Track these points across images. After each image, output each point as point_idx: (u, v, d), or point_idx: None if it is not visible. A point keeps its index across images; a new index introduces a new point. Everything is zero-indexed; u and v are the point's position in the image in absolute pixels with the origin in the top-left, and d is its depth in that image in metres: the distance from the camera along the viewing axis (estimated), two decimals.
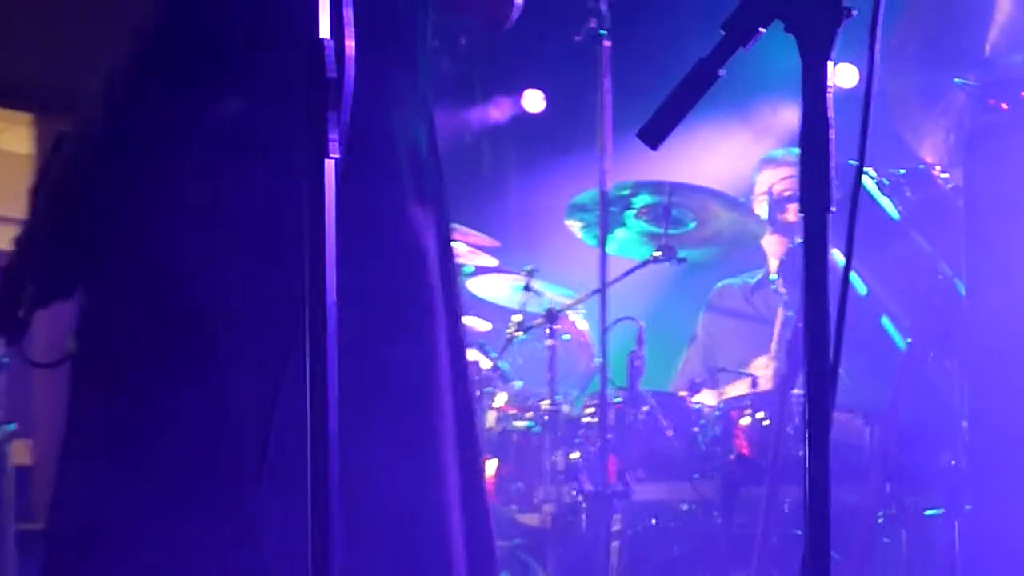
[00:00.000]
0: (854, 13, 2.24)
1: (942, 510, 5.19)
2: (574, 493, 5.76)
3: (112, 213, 3.03)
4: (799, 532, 2.24)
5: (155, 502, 2.90)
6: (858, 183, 2.36)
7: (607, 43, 5.61)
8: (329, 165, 2.19)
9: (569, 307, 6.28)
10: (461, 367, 3.20)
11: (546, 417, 5.97)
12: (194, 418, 2.93)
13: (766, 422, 5.51)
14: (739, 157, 7.27)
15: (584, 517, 5.74)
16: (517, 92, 9.37)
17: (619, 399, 5.73)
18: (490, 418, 6.08)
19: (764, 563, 4.93)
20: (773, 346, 6.05)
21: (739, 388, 6.06)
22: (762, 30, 2.28)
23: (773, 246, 6.68)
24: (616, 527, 5.48)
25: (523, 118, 9.43)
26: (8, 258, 3.09)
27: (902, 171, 5.54)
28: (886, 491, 5.15)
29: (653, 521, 5.87)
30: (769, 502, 4.97)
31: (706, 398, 6.07)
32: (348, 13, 2.22)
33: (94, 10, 3.51)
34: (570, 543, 5.74)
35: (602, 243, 5.60)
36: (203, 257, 2.96)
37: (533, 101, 9.31)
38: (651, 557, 5.61)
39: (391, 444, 3.01)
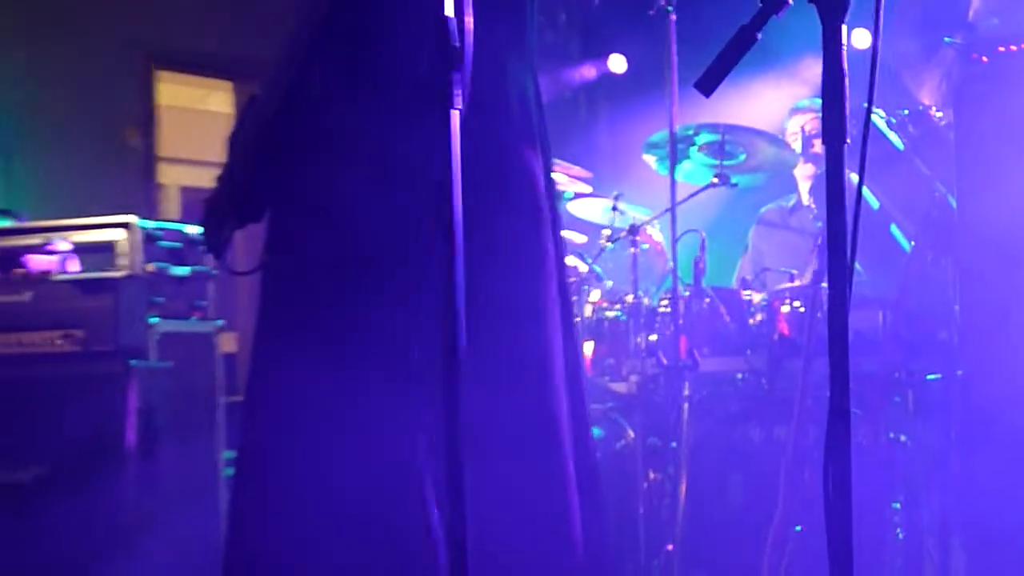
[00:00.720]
0: None
1: (940, 375, 5.16)
2: (653, 366, 5.76)
3: (289, 156, 3.05)
4: (827, 393, 2.25)
5: (327, 374, 2.94)
6: (868, 120, 2.34)
7: (673, 16, 5.59)
8: (455, 115, 2.19)
9: (647, 223, 6.25)
10: (563, 267, 3.22)
11: (630, 308, 5.97)
12: (359, 312, 2.96)
13: (802, 309, 5.49)
14: (775, 103, 7.22)
15: (662, 384, 5.74)
16: (604, 56, 9.37)
17: (687, 293, 5.72)
18: (587, 309, 6.08)
19: (802, 419, 4.91)
20: (814, 254, 5.99)
21: (781, 283, 6.03)
22: (790, 2, 2.26)
23: (805, 173, 6.66)
24: (686, 392, 5.47)
25: (609, 76, 9.44)
26: (213, 193, 3.12)
27: (905, 111, 5.51)
28: (896, 361, 5.11)
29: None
30: (805, 371, 4.95)
31: (755, 293, 6.04)
32: None
33: None
34: (651, 405, 5.74)
35: (672, 172, 5.57)
36: (357, 189, 3.00)
37: (617, 63, 9.30)
38: (713, 415, 5.61)
39: (510, 323, 3.03)
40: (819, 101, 2.24)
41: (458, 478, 2.19)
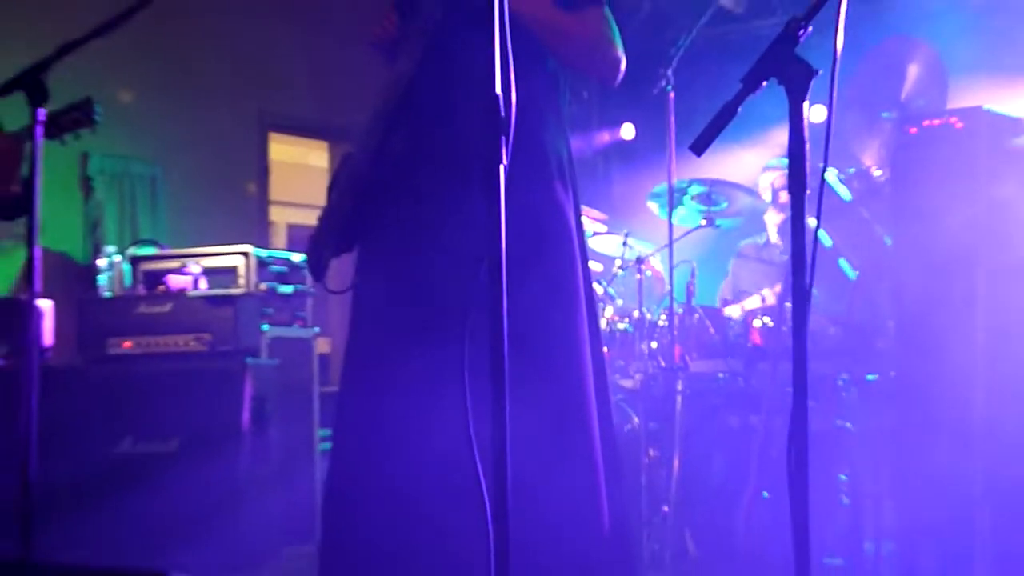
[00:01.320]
0: (820, 73, 2.23)
1: (877, 376, 5.15)
2: (654, 367, 5.75)
3: (375, 202, 3.08)
4: (790, 389, 2.27)
5: (402, 373, 2.97)
6: (823, 177, 2.35)
7: (672, 95, 5.60)
8: (500, 169, 2.20)
9: (650, 255, 6.25)
10: (590, 291, 3.23)
11: (636, 321, 5.97)
12: (426, 325, 2.98)
13: (771, 323, 5.47)
14: (751, 162, 7.22)
15: (660, 382, 5.73)
16: (617, 125, 9.41)
17: (680, 310, 5.72)
18: (603, 323, 6.08)
19: (770, 409, 4.92)
20: (779, 284, 5.97)
21: (754, 303, 6.02)
22: (764, 84, 2.27)
23: (773, 219, 6.61)
24: (679, 388, 5.47)
25: (621, 141, 9.48)
26: (315, 230, 3.15)
27: (852, 170, 5.53)
28: (843, 364, 5.11)
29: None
30: (772, 372, 4.95)
31: (733, 310, 6.04)
32: (511, 75, 2.23)
33: (370, 74, 3.55)
34: (651, 398, 5.72)
35: (669, 215, 5.58)
36: (427, 231, 3.05)
37: (627, 131, 9.36)
38: (701, 405, 5.59)
39: (551, 340, 3.05)
40: (785, 161, 2.26)
41: (503, 461, 2.18)
